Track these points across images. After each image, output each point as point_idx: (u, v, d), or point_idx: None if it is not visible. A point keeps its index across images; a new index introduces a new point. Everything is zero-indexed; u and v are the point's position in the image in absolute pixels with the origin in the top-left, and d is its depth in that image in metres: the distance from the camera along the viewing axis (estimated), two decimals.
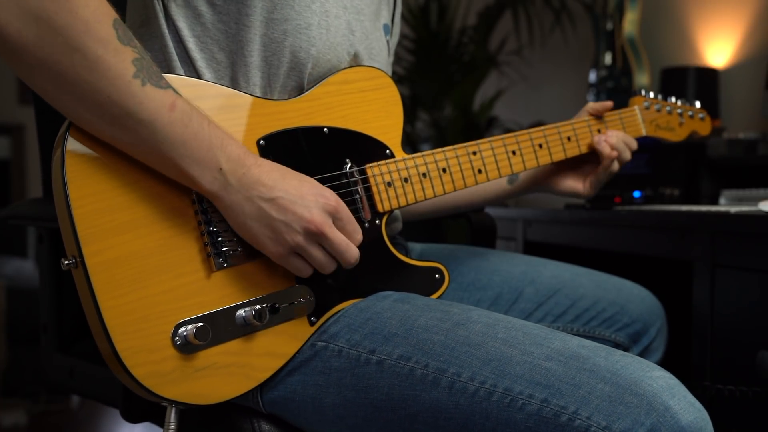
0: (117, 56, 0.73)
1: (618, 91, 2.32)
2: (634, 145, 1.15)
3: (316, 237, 0.81)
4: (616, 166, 1.12)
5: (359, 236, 0.85)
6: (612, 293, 1.16)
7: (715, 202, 1.67)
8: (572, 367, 0.74)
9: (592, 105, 1.15)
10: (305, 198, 0.81)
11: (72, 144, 0.75)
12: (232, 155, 0.78)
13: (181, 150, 0.76)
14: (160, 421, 0.93)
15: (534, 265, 1.18)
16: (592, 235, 1.60)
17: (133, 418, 0.94)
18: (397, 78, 3.21)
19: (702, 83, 2.12)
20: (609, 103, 1.15)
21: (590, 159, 1.14)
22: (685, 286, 1.32)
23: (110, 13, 0.73)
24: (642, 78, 2.36)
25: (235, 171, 0.78)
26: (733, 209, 1.26)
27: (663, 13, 2.49)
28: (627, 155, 1.13)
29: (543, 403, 0.73)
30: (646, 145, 1.88)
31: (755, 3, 2.16)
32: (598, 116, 1.15)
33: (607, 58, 2.40)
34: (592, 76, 2.40)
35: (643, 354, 1.17)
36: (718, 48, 2.26)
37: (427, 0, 3.24)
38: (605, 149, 1.10)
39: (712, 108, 2.11)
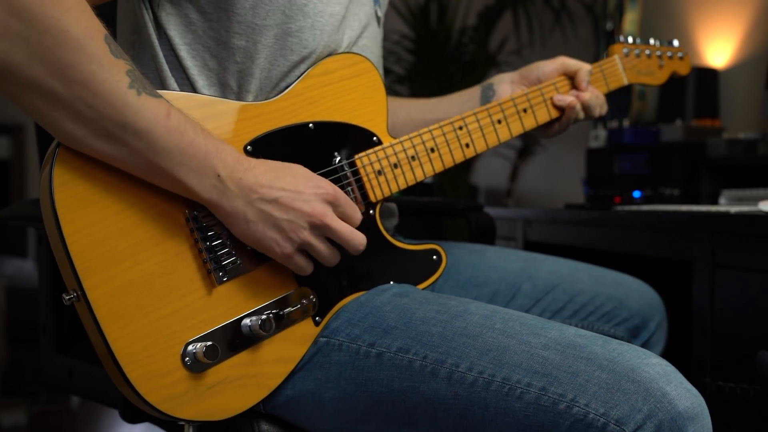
0: (111, 69, 0.72)
1: (618, 91, 2.32)
2: (601, 100, 1.12)
3: (321, 229, 0.82)
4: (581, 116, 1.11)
5: (359, 215, 0.86)
6: (610, 288, 1.16)
7: (715, 202, 1.67)
8: (569, 355, 0.75)
9: (564, 60, 1.11)
10: (303, 193, 0.81)
11: (60, 175, 0.74)
12: (228, 161, 0.78)
13: (179, 159, 0.75)
14: (159, 422, 0.94)
15: (532, 261, 1.18)
16: (592, 235, 1.60)
17: (132, 419, 0.94)
18: (397, 78, 3.21)
19: (702, 83, 2.12)
20: (587, 67, 1.11)
21: None
22: (685, 286, 1.32)
23: (101, 30, 0.73)
24: None
25: (232, 176, 0.78)
26: (733, 209, 1.25)
27: (663, 13, 2.49)
28: (594, 113, 1.11)
29: (541, 392, 0.74)
30: (646, 145, 1.88)
31: (755, 3, 2.16)
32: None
33: None
34: None
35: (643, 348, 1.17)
36: (718, 48, 2.26)
37: (427, 0, 3.24)
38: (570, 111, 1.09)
39: (712, 108, 2.11)
